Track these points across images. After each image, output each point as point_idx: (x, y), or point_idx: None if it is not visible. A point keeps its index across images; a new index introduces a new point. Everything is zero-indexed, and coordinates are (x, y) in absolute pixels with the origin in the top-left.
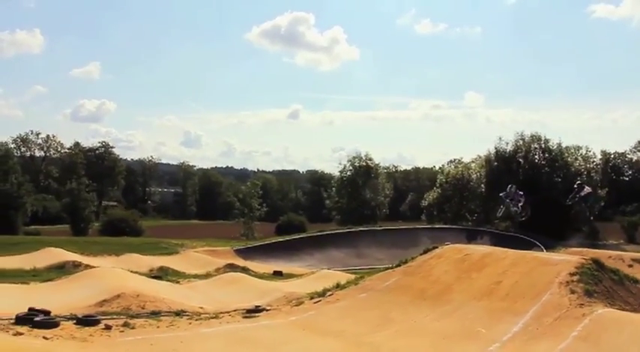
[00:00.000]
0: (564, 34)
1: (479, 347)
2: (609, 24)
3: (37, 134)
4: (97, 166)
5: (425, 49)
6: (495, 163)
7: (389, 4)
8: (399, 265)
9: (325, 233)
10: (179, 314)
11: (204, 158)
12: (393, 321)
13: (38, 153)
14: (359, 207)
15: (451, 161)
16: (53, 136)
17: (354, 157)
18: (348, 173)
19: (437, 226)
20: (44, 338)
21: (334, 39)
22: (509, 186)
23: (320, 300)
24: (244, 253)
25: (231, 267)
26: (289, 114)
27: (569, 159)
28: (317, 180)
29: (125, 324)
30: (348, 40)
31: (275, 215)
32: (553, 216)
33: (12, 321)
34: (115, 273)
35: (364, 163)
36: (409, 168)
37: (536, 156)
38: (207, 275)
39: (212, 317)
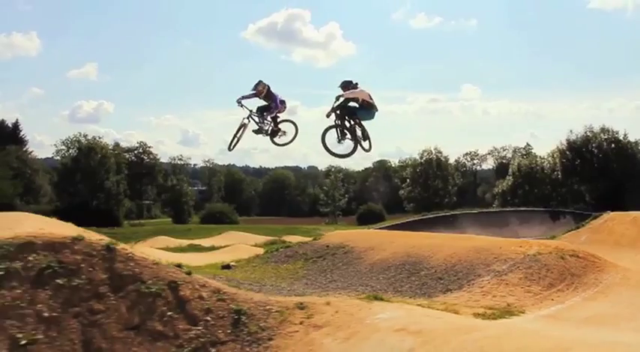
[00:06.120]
0: (559, 25)
1: None
2: (604, 14)
3: (85, 135)
4: (137, 166)
5: (421, 43)
6: (567, 153)
7: None
8: (578, 227)
9: (432, 216)
10: None
11: (203, 156)
12: (616, 257)
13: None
14: (431, 195)
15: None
16: (99, 137)
17: (424, 151)
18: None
19: (522, 208)
20: None
21: (330, 35)
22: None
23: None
24: None
25: None
26: (287, 110)
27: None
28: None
29: None
30: (344, 36)
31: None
32: (626, 197)
33: None
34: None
35: (434, 156)
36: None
37: (605, 146)
38: None
39: None
